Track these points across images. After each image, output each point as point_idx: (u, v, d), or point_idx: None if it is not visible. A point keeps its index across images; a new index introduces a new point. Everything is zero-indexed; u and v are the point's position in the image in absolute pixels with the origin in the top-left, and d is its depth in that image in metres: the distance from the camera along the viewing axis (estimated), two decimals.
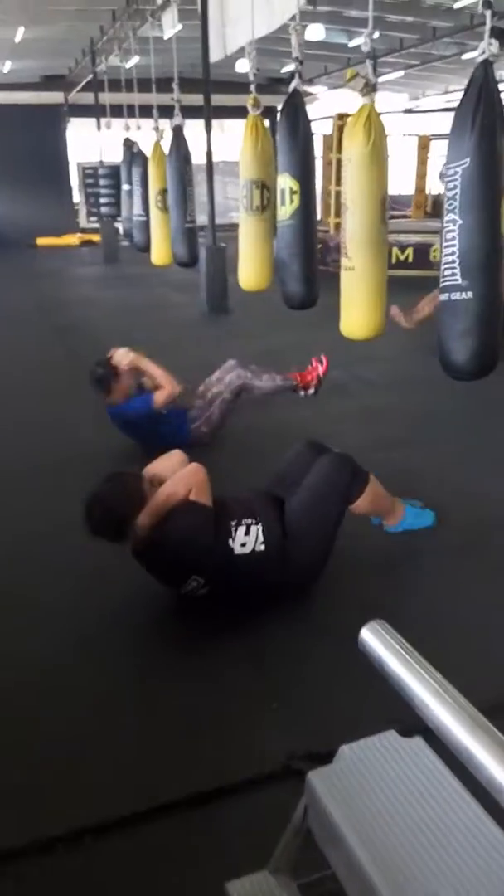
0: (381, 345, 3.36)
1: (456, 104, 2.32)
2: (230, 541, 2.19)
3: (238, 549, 2.18)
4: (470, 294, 2.37)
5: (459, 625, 2.25)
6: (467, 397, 3.82)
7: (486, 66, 2.26)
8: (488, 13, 2.27)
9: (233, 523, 2.21)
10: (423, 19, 14.08)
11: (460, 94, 2.28)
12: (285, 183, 3.49)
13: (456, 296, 2.39)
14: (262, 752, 1.73)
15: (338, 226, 9.23)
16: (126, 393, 3.68)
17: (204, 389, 3.82)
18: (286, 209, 3.53)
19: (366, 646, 0.89)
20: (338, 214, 9.25)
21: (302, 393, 3.82)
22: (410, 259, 8.19)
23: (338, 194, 9.22)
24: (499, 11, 2.25)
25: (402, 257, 8.07)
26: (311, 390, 3.81)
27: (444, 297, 2.43)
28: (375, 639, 0.87)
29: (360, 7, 14.23)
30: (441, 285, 2.43)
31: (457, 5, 12.41)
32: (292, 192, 3.49)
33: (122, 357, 3.66)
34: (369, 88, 2.92)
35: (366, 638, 0.90)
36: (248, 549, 2.18)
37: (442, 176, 7.25)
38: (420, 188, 11.86)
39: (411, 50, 15.24)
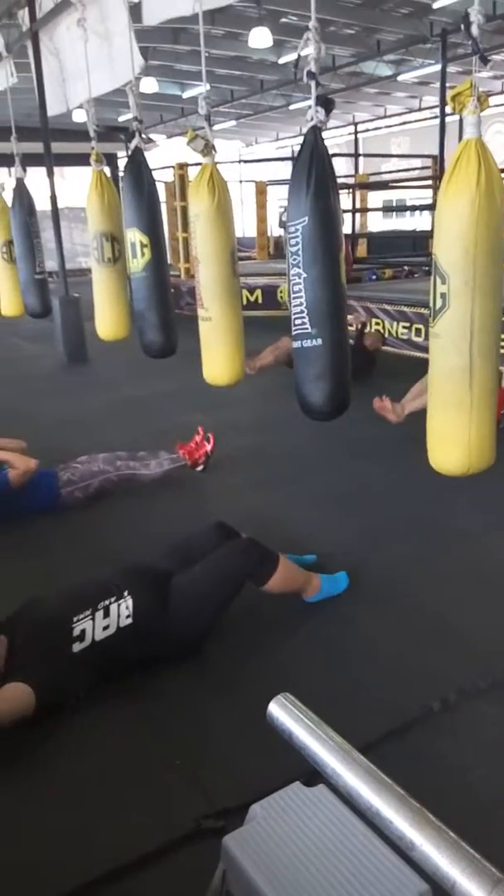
0: (240, 388, 3.48)
1: (286, 151, 2.48)
2: (75, 645, 2.09)
3: (100, 636, 2.13)
4: (319, 341, 2.52)
5: (354, 677, 2.26)
6: (326, 436, 3.97)
7: (316, 131, 2.45)
8: (313, 83, 2.46)
9: (81, 616, 2.13)
10: (250, 73, 14.91)
11: (290, 141, 2.44)
12: (135, 237, 3.57)
13: (307, 343, 2.55)
14: (170, 816, 1.69)
15: (187, 270, 9.45)
16: None
17: (87, 459, 3.67)
18: (138, 262, 3.61)
19: (274, 720, 0.93)
20: (187, 260, 9.45)
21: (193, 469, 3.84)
22: (260, 300, 8.49)
23: (184, 240, 9.45)
24: (323, 83, 2.44)
25: (251, 298, 8.33)
26: (201, 467, 3.84)
27: (297, 344, 2.58)
28: (283, 712, 0.92)
29: (189, 62, 14.85)
30: (293, 334, 2.57)
31: (281, 61, 13.23)
32: (143, 246, 3.57)
33: None
34: (209, 149, 3.07)
35: (274, 712, 0.94)
36: (111, 630, 2.15)
37: (282, 223, 7.58)
38: (261, 231, 12.35)
39: (242, 101, 16.02)
